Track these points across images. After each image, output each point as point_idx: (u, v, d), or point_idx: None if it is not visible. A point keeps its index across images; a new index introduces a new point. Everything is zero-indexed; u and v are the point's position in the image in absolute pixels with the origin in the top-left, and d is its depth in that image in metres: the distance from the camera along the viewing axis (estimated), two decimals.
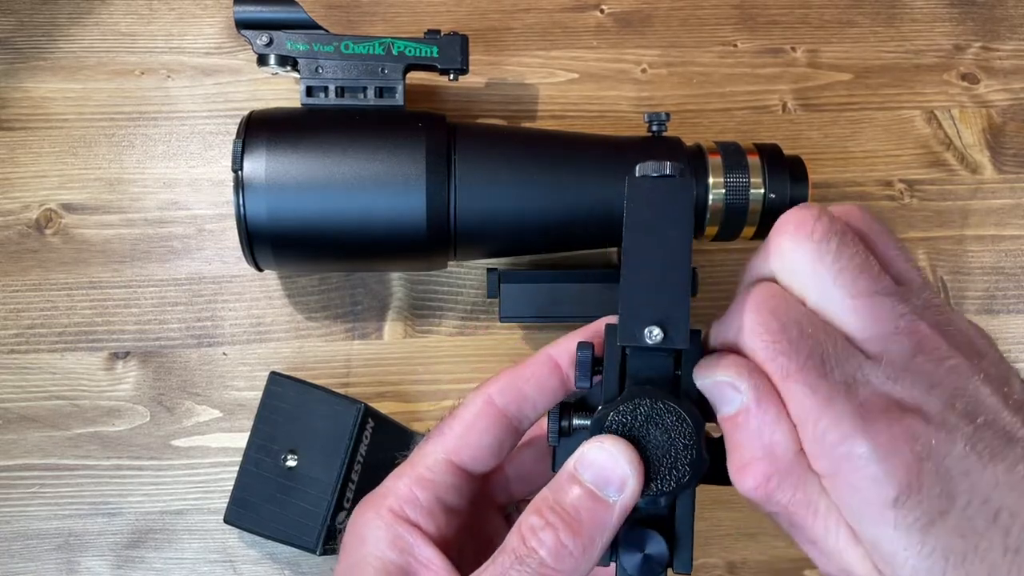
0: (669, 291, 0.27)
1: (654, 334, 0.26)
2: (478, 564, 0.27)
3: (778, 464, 0.24)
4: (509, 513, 0.35)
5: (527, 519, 0.26)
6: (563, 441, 0.29)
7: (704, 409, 0.27)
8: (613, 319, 0.28)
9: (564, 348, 0.30)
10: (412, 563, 0.27)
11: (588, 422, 0.28)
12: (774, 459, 0.24)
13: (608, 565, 0.27)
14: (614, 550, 0.27)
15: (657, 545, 0.26)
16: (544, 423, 0.33)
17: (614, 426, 0.26)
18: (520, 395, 0.30)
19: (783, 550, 0.50)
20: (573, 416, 0.29)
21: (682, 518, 0.27)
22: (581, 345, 0.28)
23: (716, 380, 0.26)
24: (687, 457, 0.26)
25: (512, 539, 0.26)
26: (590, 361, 0.28)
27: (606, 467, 0.26)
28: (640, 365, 0.27)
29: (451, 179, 0.44)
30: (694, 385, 0.27)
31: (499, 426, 0.30)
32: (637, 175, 0.28)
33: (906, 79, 0.56)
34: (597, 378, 0.28)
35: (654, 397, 0.26)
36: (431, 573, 0.27)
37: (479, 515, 0.31)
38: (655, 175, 0.28)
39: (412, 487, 0.29)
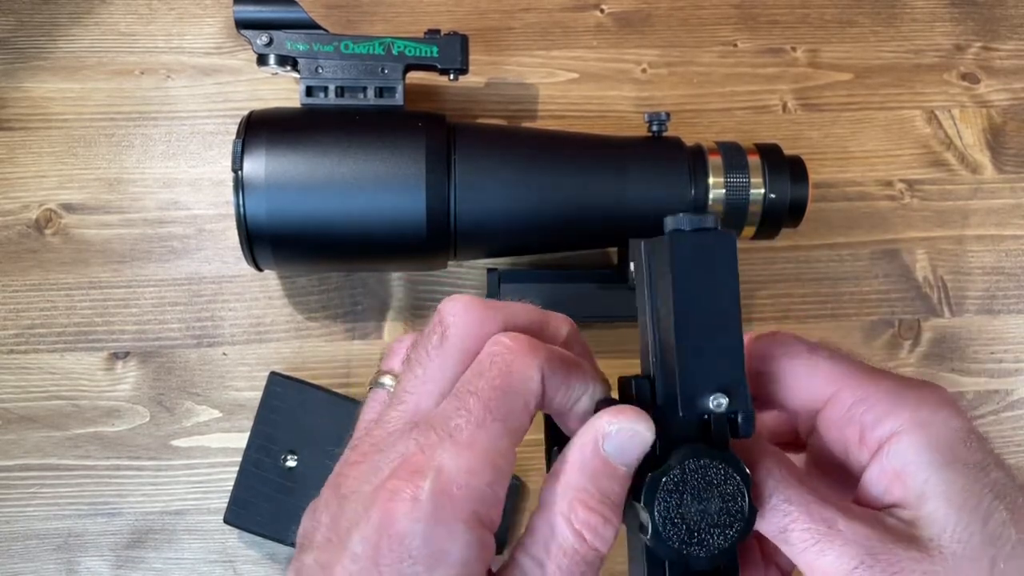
0: (725, 354, 0.26)
1: (720, 402, 0.26)
2: None
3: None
4: None
5: (579, 514, 0.25)
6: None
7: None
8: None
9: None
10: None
11: None
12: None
13: None
14: None
15: None
16: None
17: (669, 488, 0.26)
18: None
19: None
20: None
21: (730, 564, 0.27)
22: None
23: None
24: (740, 511, 0.26)
25: (567, 537, 0.25)
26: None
27: (638, 447, 0.26)
28: (667, 422, 0.27)
29: (451, 179, 0.44)
30: (726, 438, 0.27)
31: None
32: (671, 228, 0.27)
33: (906, 79, 0.56)
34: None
35: (699, 455, 0.26)
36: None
37: None
38: (690, 229, 0.27)
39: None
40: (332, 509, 0.26)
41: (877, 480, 0.27)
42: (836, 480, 0.30)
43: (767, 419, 0.32)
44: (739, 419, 0.27)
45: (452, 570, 0.23)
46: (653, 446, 0.27)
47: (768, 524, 0.27)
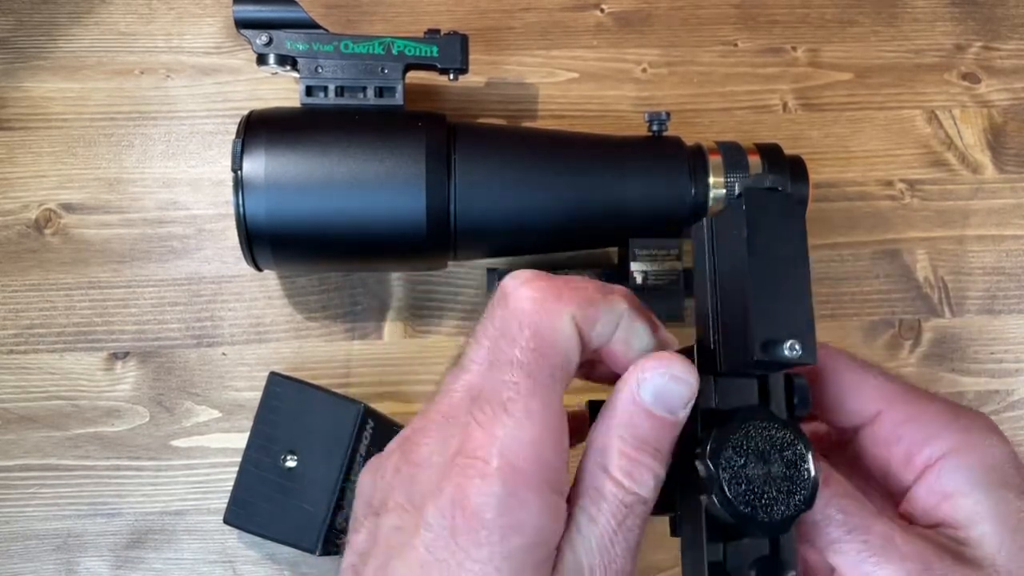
0: (797, 307, 0.26)
1: (795, 349, 0.26)
2: None
3: None
4: None
5: (617, 463, 0.25)
6: None
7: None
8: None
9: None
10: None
11: None
12: None
13: None
14: None
15: (789, 573, 0.26)
16: None
17: (736, 445, 0.26)
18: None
19: None
20: None
21: (788, 535, 0.27)
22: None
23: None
24: (803, 479, 0.26)
25: (607, 487, 0.25)
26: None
27: (681, 395, 0.26)
28: (727, 392, 0.27)
29: (451, 179, 0.44)
30: (783, 408, 0.27)
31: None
32: (745, 186, 0.27)
33: (907, 79, 0.56)
34: None
35: (764, 418, 0.26)
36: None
37: None
38: (764, 188, 0.27)
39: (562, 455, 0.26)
40: (404, 476, 0.26)
41: (924, 500, 0.27)
42: (869, 495, 0.30)
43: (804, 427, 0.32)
44: (796, 400, 0.27)
45: (527, 538, 0.24)
46: (714, 412, 0.27)
47: (822, 534, 0.26)
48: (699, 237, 0.29)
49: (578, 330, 0.26)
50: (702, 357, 0.27)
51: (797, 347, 0.26)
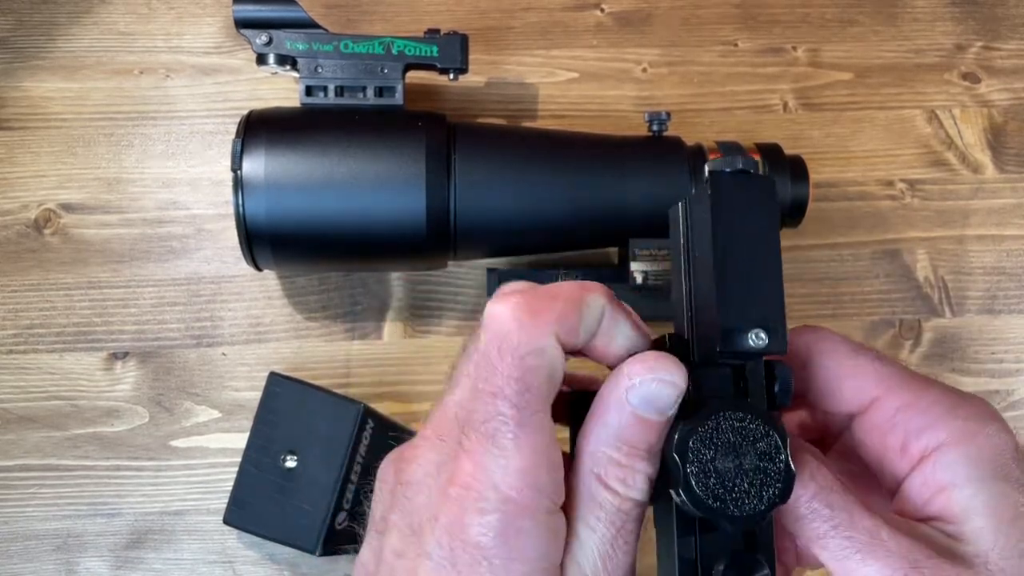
0: (765, 294, 0.25)
1: (760, 337, 0.25)
2: None
3: None
4: None
5: (609, 471, 0.25)
6: None
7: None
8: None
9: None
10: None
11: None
12: None
13: None
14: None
15: (762, 571, 0.25)
16: None
17: (703, 438, 0.25)
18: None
19: None
20: None
21: (764, 528, 0.26)
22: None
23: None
24: (777, 471, 0.25)
25: (603, 496, 0.25)
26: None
27: (670, 396, 0.25)
28: (703, 382, 0.26)
29: (451, 179, 0.44)
30: (762, 398, 0.26)
31: None
32: (710, 170, 0.26)
33: (907, 78, 0.56)
34: None
35: (735, 408, 0.25)
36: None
37: None
38: (729, 171, 0.26)
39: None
40: (399, 495, 0.26)
41: (919, 491, 0.26)
42: (862, 485, 0.29)
43: (796, 415, 0.31)
44: (776, 388, 0.26)
45: (529, 563, 0.24)
46: (687, 402, 0.26)
47: (806, 528, 0.26)
48: (675, 220, 0.28)
49: (560, 343, 0.25)
50: (678, 347, 0.27)
51: (763, 336, 0.25)
